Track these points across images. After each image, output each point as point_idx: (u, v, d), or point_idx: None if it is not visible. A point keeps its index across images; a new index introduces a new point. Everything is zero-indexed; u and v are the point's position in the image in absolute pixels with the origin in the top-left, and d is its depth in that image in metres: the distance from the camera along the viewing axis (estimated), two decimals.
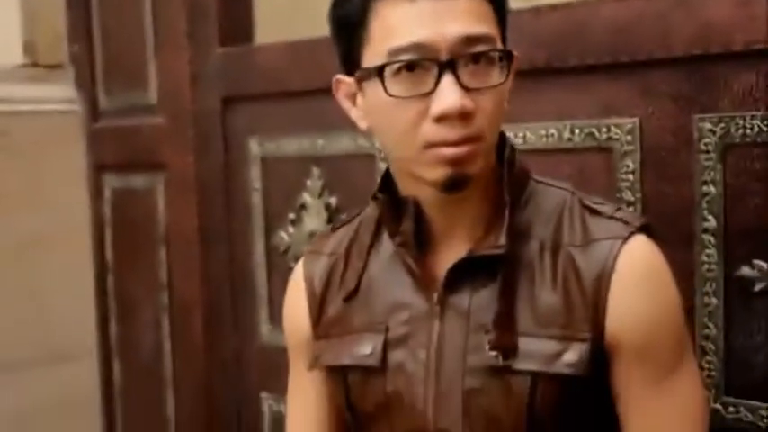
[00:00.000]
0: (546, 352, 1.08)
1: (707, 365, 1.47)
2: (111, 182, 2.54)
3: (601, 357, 1.10)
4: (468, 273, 1.12)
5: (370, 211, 1.25)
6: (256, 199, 2.15)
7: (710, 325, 1.46)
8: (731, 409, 1.46)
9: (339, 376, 1.20)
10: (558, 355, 1.08)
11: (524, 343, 1.09)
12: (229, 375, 2.27)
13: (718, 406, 1.47)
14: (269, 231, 2.13)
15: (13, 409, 2.49)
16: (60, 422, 2.57)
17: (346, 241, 1.26)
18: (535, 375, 1.08)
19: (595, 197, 1.19)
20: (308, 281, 1.26)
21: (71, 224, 2.57)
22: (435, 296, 1.13)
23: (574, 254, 1.11)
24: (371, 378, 1.16)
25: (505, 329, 1.09)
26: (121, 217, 2.53)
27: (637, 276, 1.09)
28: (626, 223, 1.12)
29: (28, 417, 2.52)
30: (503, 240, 1.10)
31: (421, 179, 1.10)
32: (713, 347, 1.47)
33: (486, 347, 1.09)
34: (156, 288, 2.41)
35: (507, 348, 1.08)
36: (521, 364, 1.08)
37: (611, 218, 1.13)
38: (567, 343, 1.08)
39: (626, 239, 1.10)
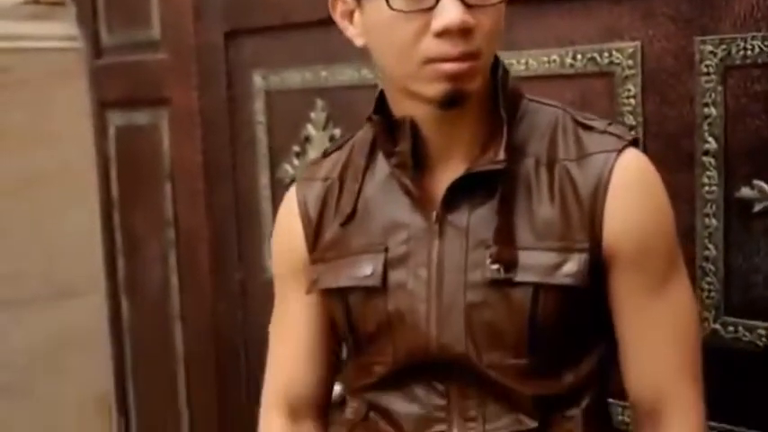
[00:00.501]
0: (546, 264, 1.11)
1: (707, 286, 1.50)
2: (114, 119, 2.57)
3: (598, 268, 1.13)
4: (465, 190, 1.15)
5: (363, 134, 1.27)
6: (261, 132, 2.18)
7: (710, 246, 1.49)
8: (730, 328, 1.49)
9: (339, 299, 1.21)
10: (558, 266, 1.11)
11: (524, 256, 1.12)
12: (236, 309, 2.31)
13: (717, 326, 1.50)
14: (273, 164, 2.15)
15: (23, 347, 2.53)
16: (69, 359, 2.61)
17: (340, 165, 1.27)
18: (536, 287, 1.11)
19: (586, 113, 1.22)
20: (302, 206, 1.27)
21: (75, 161, 2.60)
22: (434, 214, 1.16)
23: (569, 167, 1.14)
24: (372, 299, 1.18)
25: (506, 243, 1.12)
26: (126, 153, 2.56)
27: (632, 187, 1.13)
28: (618, 137, 1.15)
29: (37, 353, 2.56)
30: (502, 155, 1.13)
31: (418, 96, 1.12)
32: (713, 268, 1.50)
33: (487, 262, 1.12)
34: (161, 223, 2.45)
35: (508, 262, 1.11)
36: (522, 277, 1.11)
37: (603, 132, 1.16)
38: (566, 254, 1.11)
39: (620, 152, 1.13)
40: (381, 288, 1.17)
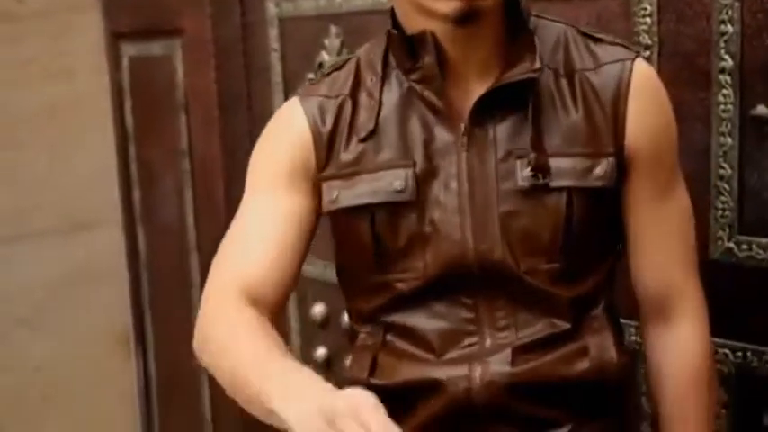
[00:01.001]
0: (578, 168, 1.17)
1: (721, 206, 1.52)
2: (128, 49, 2.58)
3: (619, 170, 1.19)
4: (491, 103, 1.18)
5: (366, 52, 1.27)
6: (275, 60, 2.19)
7: (725, 165, 1.51)
8: (744, 247, 1.51)
9: (363, 216, 1.21)
10: (589, 170, 1.17)
11: (556, 162, 1.17)
12: None
13: (731, 245, 1.52)
14: (288, 92, 2.17)
15: (41, 279, 2.58)
16: (87, 291, 2.66)
17: (349, 83, 1.26)
18: (570, 191, 1.17)
19: (586, 27, 1.27)
20: (312, 121, 1.24)
21: (90, 93, 2.62)
22: (462, 127, 1.18)
23: (588, 76, 1.19)
24: (403, 213, 1.19)
25: (540, 151, 1.16)
26: (140, 84, 2.57)
27: (648, 93, 1.20)
28: (627, 48, 1.23)
29: (55, 286, 2.61)
30: (538, 64, 1.17)
31: (433, 13, 1.14)
32: (727, 187, 1.51)
33: (519, 171, 1.16)
34: (176, 154, 2.47)
35: (542, 169, 1.16)
36: (557, 182, 1.16)
37: (613, 44, 1.23)
38: (595, 159, 1.17)
39: (633, 60, 1.20)
40: (414, 202, 1.19)
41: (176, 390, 2.66)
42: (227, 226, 2.34)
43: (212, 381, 2.48)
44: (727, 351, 1.55)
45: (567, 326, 1.19)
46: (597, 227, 1.20)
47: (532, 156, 1.16)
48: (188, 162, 2.45)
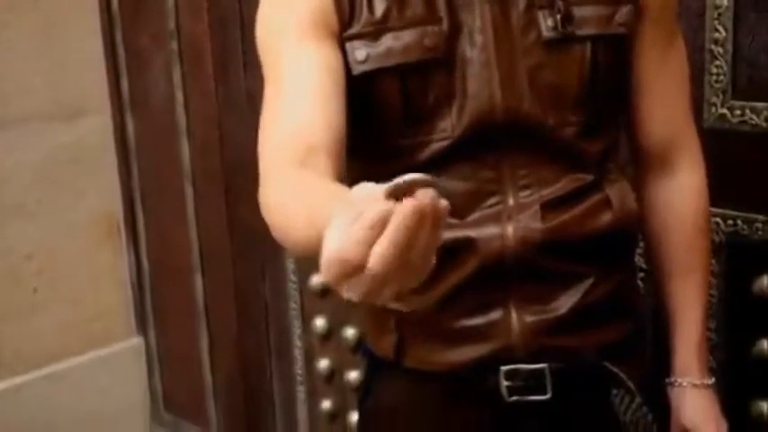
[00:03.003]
0: (601, 15, 1.19)
1: (715, 70, 1.55)
2: None
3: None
4: None
5: None
6: None
7: (720, 28, 1.52)
8: (737, 112, 1.54)
9: (392, 76, 1.20)
10: (611, 16, 1.20)
11: (579, 11, 1.19)
12: (243, 121, 2.35)
13: (724, 110, 1.55)
14: None
15: (30, 165, 2.60)
16: (77, 177, 2.69)
17: None
18: (594, 39, 1.19)
19: None
20: None
21: None
22: None
23: None
24: (432, 71, 1.20)
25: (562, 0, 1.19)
26: None
27: None
28: None
29: (45, 172, 2.63)
30: None
31: None
32: (721, 51, 1.53)
33: (543, 22, 1.18)
34: (164, 35, 2.48)
35: (566, 17, 1.18)
36: (582, 30, 1.19)
37: None
38: (615, 5, 1.20)
39: None
40: (443, 59, 1.19)
41: (169, 278, 2.72)
42: (218, 107, 2.40)
43: (205, 269, 2.56)
44: (718, 220, 1.59)
45: (590, 178, 1.23)
46: (619, 76, 1.24)
47: (559, 3, 1.18)
48: (176, 43, 2.45)
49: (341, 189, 0.93)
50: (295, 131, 1.13)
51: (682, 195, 1.34)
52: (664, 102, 1.29)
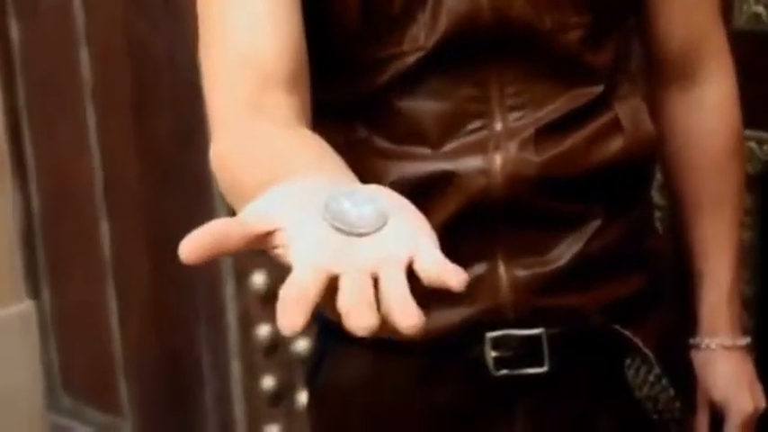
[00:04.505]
0: None
1: None
2: None
3: None
4: None
5: None
6: None
7: None
8: None
9: None
10: None
11: None
12: (157, 21, 2.35)
13: (759, 8, 1.56)
14: None
15: None
16: None
17: None
18: None
19: None
20: None
21: None
22: None
23: None
24: None
25: None
26: None
27: None
28: None
29: None
30: None
31: None
32: None
33: None
34: None
35: None
36: None
37: None
38: None
39: None
40: None
41: (66, 223, 2.72)
42: (123, 10, 2.38)
43: (111, 206, 2.56)
44: (752, 145, 1.62)
45: (596, 94, 1.23)
46: None
47: None
48: None
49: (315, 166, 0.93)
50: (245, 61, 1.13)
51: (707, 111, 1.35)
52: None
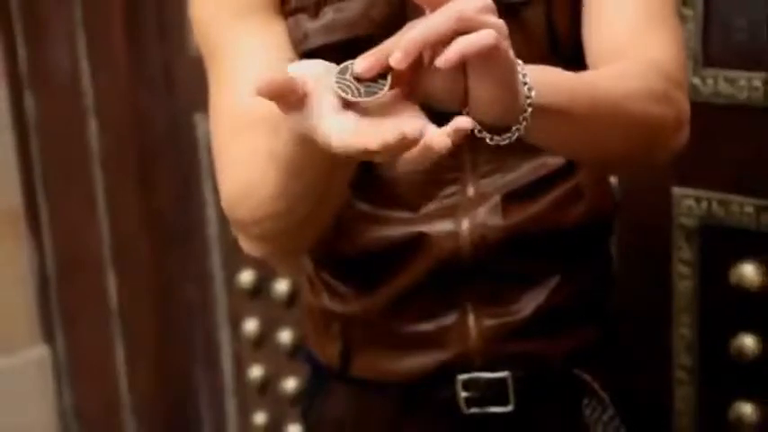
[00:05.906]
0: None
1: (685, 34, 1.60)
2: None
3: None
4: None
5: None
6: None
7: None
8: (709, 81, 1.60)
9: (337, 53, 1.12)
10: None
11: None
12: (158, 95, 2.40)
13: (696, 80, 1.61)
14: None
15: None
16: None
17: None
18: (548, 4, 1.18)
19: None
20: None
21: None
22: None
23: None
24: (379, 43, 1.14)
25: None
26: None
27: None
28: None
29: None
30: None
31: None
32: (692, 13, 1.59)
33: None
34: None
35: None
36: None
37: None
38: None
39: None
40: (393, 34, 1.12)
41: (78, 277, 2.72)
42: (128, 77, 2.40)
43: (119, 263, 2.58)
44: (691, 202, 1.65)
45: (561, 161, 1.23)
46: (577, 36, 1.20)
47: None
48: (79, 7, 2.46)
49: None
50: (247, 110, 1.16)
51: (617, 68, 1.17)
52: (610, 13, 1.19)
